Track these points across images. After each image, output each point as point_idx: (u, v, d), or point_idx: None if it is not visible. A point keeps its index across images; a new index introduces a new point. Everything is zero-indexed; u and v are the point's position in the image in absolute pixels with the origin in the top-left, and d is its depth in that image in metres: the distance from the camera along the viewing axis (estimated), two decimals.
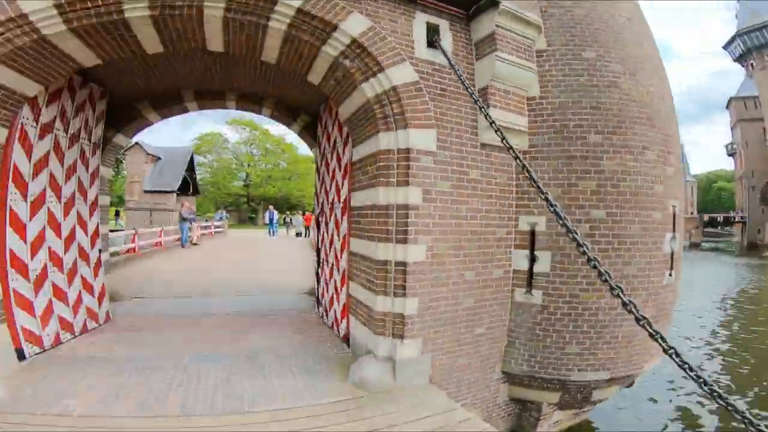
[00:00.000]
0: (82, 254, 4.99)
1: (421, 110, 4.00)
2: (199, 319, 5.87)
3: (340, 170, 5.38)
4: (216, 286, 8.44)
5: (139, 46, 3.83)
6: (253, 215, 46.77)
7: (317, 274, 6.42)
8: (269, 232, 24.43)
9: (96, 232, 5.30)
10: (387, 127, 4.03)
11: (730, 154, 68.33)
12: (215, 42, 3.93)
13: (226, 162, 46.50)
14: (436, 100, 4.13)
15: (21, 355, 3.86)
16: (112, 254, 10.71)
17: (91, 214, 5.17)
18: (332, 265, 5.59)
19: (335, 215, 5.51)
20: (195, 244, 16.48)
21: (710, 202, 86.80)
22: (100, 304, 5.29)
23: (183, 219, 15.41)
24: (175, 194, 28.23)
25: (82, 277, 4.95)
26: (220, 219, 28.70)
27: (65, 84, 4.52)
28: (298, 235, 24.66)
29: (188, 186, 32.56)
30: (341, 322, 5.17)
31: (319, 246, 6.32)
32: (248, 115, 47.57)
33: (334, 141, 5.68)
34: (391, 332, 3.98)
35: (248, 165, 46.05)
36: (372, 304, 4.11)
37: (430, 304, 4.06)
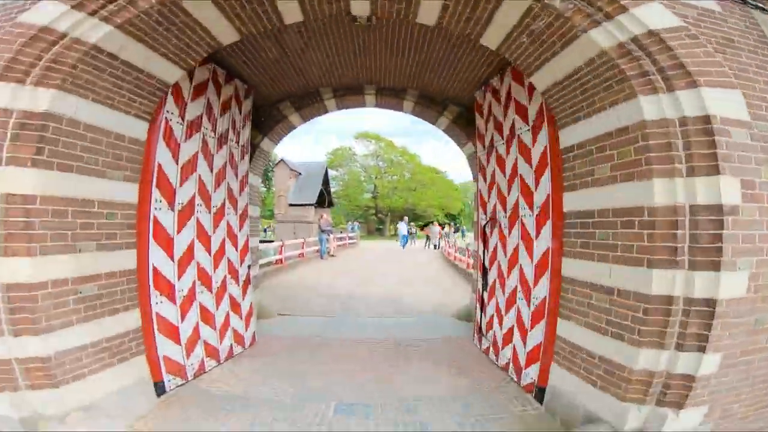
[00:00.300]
0: (232, 271, 4.50)
1: (709, 63, 2.41)
2: (344, 345, 4.99)
3: (529, 164, 3.87)
4: (357, 301, 7.81)
5: (277, 12, 3.03)
6: (380, 226, 48.00)
7: (482, 299, 4.98)
8: (402, 243, 24.22)
9: (246, 246, 4.82)
10: (651, 87, 2.44)
11: None
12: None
13: (355, 175, 48.88)
14: (721, 53, 2.48)
15: (161, 390, 3.32)
16: (262, 265, 11.11)
17: (241, 226, 4.71)
18: (513, 290, 4.09)
19: (521, 225, 4.00)
20: (332, 255, 16.72)
21: None
22: (247, 325, 4.77)
23: (322, 231, 15.73)
24: (313, 207, 30.31)
25: (230, 296, 4.45)
26: (353, 230, 29.64)
27: (209, 76, 4.06)
28: (435, 247, 23.73)
29: (324, 199, 34.89)
30: (528, 366, 3.65)
31: (487, 265, 4.87)
32: (374, 129, 49.87)
33: (511, 127, 4.21)
34: (656, 398, 2.51)
35: (375, 177, 47.44)
36: (618, 357, 2.60)
37: (740, 359, 2.42)
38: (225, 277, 4.36)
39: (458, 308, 7.02)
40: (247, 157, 4.92)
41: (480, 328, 5.01)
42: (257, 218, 6.08)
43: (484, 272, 4.99)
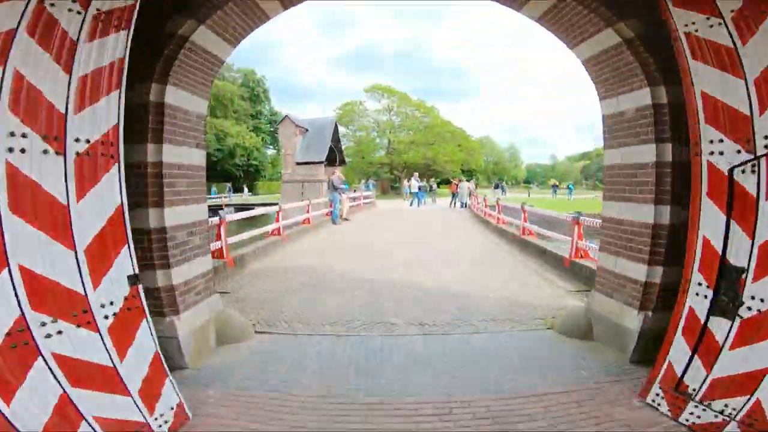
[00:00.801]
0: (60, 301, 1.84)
1: None
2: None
3: None
4: (385, 297, 5.11)
5: None
6: (396, 185, 45.05)
7: (702, 330, 2.28)
8: (411, 203, 21.14)
9: (118, 235, 2.21)
10: None
11: None
12: None
13: (367, 130, 45.28)
14: None
15: None
16: (253, 239, 8.51)
17: (82, 189, 2.07)
18: None
19: None
20: (346, 219, 14.08)
21: None
22: (149, 400, 2.16)
23: (334, 188, 12.99)
24: (323, 165, 27.45)
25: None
26: (367, 189, 26.86)
27: None
28: (464, 206, 20.74)
29: (335, 157, 31.91)
30: None
31: (739, 262, 2.11)
32: (385, 81, 45.64)
33: None
34: None
35: (389, 131, 43.71)
36: None
37: None
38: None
39: (550, 310, 4.39)
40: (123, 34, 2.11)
41: (680, 382, 2.35)
42: (199, 169, 3.45)
43: (727, 276, 2.23)
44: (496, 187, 40.74)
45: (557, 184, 43.35)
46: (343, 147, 39.36)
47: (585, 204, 25.57)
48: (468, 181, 25.40)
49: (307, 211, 11.79)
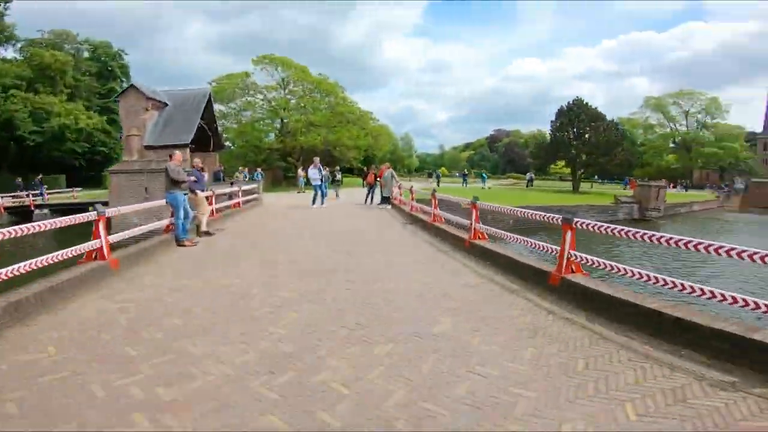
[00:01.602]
0: None
1: None
2: None
3: None
4: None
5: None
6: (291, 174, 39.00)
7: None
8: (314, 200, 15.59)
9: None
10: None
11: None
12: None
13: (255, 108, 37.87)
14: None
15: None
16: None
17: None
18: None
19: None
20: (207, 233, 8.59)
21: None
22: None
23: (173, 183, 7.34)
24: (187, 150, 20.53)
25: None
26: (252, 179, 20.85)
27: None
28: (386, 201, 15.48)
29: (207, 140, 24.90)
30: None
31: None
32: (281, 52, 38.96)
33: None
34: None
35: (284, 109, 37.04)
36: None
37: None
38: None
39: None
40: None
41: None
42: None
43: None
44: (430, 175, 38.65)
45: (467, 173, 42.59)
46: (221, 129, 31.96)
47: (520, 194, 24.52)
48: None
49: (97, 235, 5.98)
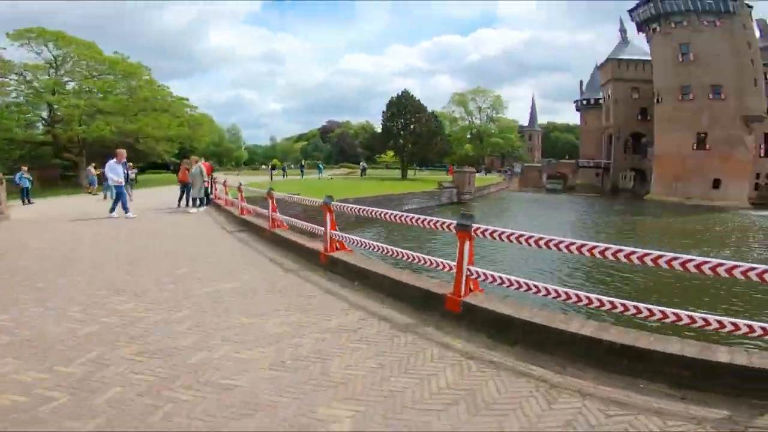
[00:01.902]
0: None
1: None
2: None
3: None
4: None
5: None
6: (70, 173, 30.04)
7: None
8: (113, 207, 11.67)
9: None
10: None
11: (579, 109, 76.05)
12: None
13: (8, 91, 27.24)
14: None
15: None
16: None
17: None
18: None
19: None
20: None
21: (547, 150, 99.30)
22: None
23: None
24: None
25: None
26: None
27: None
28: (199, 204, 12.88)
29: None
30: None
31: None
32: (51, 24, 28.69)
33: None
34: None
35: (55, 93, 27.58)
36: None
37: None
38: None
39: None
40: None
41: None
42: None
43: None
44: (274, 168, 34.99)
45: (303, 164, 41.00)
46: None
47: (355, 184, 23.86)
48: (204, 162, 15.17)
49: None
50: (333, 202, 5.88)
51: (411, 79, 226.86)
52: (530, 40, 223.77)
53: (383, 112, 39.07)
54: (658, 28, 47.92)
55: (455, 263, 3.89)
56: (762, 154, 47.38)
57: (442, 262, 4.32)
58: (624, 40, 60.70)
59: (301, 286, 5.09)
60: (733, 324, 2.62)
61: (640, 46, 56.75)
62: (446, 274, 4.28)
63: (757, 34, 46.59)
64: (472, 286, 3.88)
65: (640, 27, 51.22)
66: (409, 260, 4.76)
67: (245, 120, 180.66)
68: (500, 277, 3.71)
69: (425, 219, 4.45)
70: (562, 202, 42.75)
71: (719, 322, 2.68)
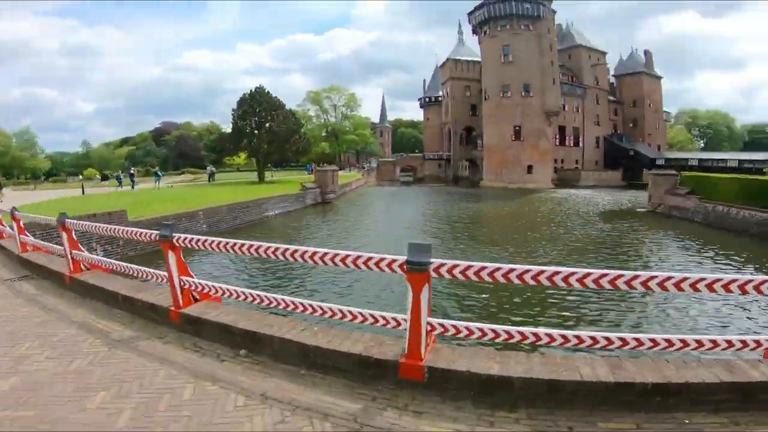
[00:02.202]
0: None
1: None
2: None
3: None
4: None
5: None
6: None
7: None
8: None
9: None
10: None
11: (422, 106, 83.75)
12: None
13: None
14: None
15: None
16: None
17: None
18: None
19: None
20: None
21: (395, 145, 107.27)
22: None
23: None
24: None
25: None
26: None
27: None
28: None
29: None
30: None
31: None
32: None
33: None
34: None
35: None
36: None
37: None
38: None
39: None
40: None
41: None
42: None
43: None
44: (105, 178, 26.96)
45: (133, 172, 33.35)
46: None
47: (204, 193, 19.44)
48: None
49: None
50: (173, 234, 3.77)
51: (262, 77, 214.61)
52: (377, 40, 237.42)
53: (233, 110, 34.79)
54: (488, 31, 55.13)
55: (407, 317, 2.62)
56: (557, 143, 59.44)
57: (369, 314, 2.88)
58: (461, 42, 68.28)
59: (144, 372, 2.99)
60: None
61: (472, 48, 64.70)
62: (371, 328, 2.86)
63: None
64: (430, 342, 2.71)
65: (475, 30, 58.21)
66: (313, 313, 3.15)
67: (45, 123, 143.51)
68: (466, 328, 2.50)
69: (356, 257, 2.84)
70: (417, 193, 45.68)
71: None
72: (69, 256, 5.40)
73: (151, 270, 4.48)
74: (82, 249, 5.58)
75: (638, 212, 27.41)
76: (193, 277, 3.88)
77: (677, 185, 25.96)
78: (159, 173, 32.98)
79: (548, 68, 52.87)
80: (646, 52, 70.27)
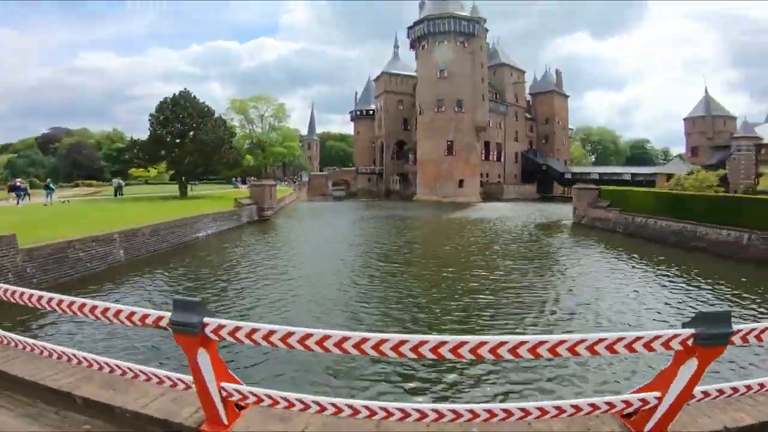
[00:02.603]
0: None
1: None
2: None
3: None
4: None
5: None
6: None
7: None
8: None
9: None
10: None
11: (353, 119, 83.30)
12: None
13: None
14: None
15: None
16: None
17: None
18: None
19: None
20: None
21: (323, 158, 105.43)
22: None
23: None
24: None
25: None
26: None
27: None
28: None
29: None
30: None
31: None
32: None
33: None
34: None
35: None
36: None
37: None
38: None
39: None
40: None
41: None
42: None
43: None
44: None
45: (21, 184, 26.55)
46: None
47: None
48: None
49: None
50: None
51: (177, 83, 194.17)
52: (305, 50, 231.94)
53: (152, 115, 30.11)
54: (426, 46, 56.16)
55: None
56: (484, 158, 62.70)
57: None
58: (396, 56, 68.97)
59: None
60: None
61: (407, 62, 65.67)
62: None
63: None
64: None
65: (413, 44, 58.95)
66: None
67: None
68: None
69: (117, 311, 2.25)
70: (351, 208, 44.21)
71: None
72: None
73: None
74: None
75: (565, 225, 29.25)
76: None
77: (598, 198, 28.05)
78: (51, 186, 27.14)
79: (479, 85, 55.72)
80: (557, 72, 78.03)
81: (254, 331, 2.01)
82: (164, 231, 18.90)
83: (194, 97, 31.50)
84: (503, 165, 67.96)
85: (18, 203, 23.67)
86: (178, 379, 2.41)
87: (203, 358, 2.11)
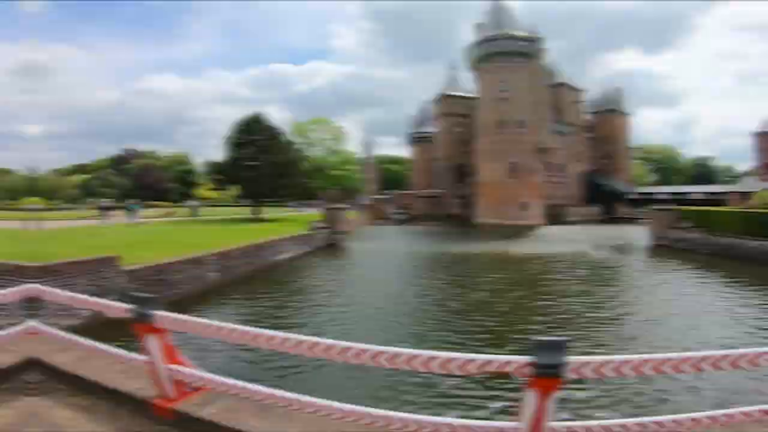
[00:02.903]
0: None
1: None
2: None
3: None
4: None
5: None
6: None
7: None
8: None
9: None
10: None
11: (411, 142, 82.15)
12: None
13: None
14: None
15: None
16: None
17: None
18: None
19: None
20: None
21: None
22: None
23: None
24: None
25: None
26: None
27: None
28: None
29: None
30: None
31: None
32: None
33: None
34: None
35: None
36: None
37: None
38: None
39: None
40: None
41: None
42: None
43: None
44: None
45: (106, 205, 27.98)
46: None
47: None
48: None
49: None
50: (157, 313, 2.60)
51: (230, 106, 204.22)
52: (353, 73, 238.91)
53: (228, 137, 30.93)
54: (486, 66, 55.03)
55: None
56: (546, 180, 59.54)
57: None
58: (453, 78, 68.37)
59: None
60: None
61: (464, 84, 64.81)
62: None
63: None
64: None
65: (472, 66, 58.06)
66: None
67: None
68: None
69: None
70: (423, 232, 42.64)
71: None
72: None
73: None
74: None
75: (642, 247, 27.60)
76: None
77: (680, 219, 27.03)
78: (135, 206, 28.17)
79: (540, 105, 53.49)
80: (617, 90, 74.03)
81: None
82: (253, 253, 18.56)
83: (266, 119, 32.02)
84: (566, 186, 64.31)
85: (126, 221, 24.75)
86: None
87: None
